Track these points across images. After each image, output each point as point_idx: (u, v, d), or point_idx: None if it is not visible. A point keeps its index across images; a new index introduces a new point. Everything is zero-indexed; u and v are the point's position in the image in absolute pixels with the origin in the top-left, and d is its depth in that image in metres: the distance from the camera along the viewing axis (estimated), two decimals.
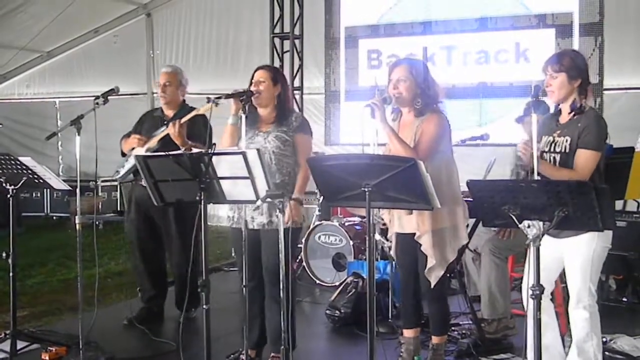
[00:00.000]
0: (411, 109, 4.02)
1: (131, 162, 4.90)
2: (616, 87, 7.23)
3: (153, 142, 4.89)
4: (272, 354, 4.28)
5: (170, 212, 5.09)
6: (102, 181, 9.46)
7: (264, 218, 4.15)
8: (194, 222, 4.86)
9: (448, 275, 4.82)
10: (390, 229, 4.22)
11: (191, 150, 4.45)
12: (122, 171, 5.08)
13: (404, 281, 4.27)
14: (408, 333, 4.26)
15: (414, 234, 4.00)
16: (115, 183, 9.20)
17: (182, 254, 5.15)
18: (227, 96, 3.98)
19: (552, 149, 3.61)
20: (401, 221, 4.05)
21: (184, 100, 5.25)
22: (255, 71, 4.30)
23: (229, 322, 4.73)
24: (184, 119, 4.73)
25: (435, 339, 4.19)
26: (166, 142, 4.77)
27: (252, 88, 4.19)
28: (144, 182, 4.85)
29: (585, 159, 3.48)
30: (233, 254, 7.44)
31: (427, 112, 3.98)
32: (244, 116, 3.93)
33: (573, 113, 3.58)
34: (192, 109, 4.94)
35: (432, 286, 4.01)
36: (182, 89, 5.25)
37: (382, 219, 4.26)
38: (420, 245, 3.97)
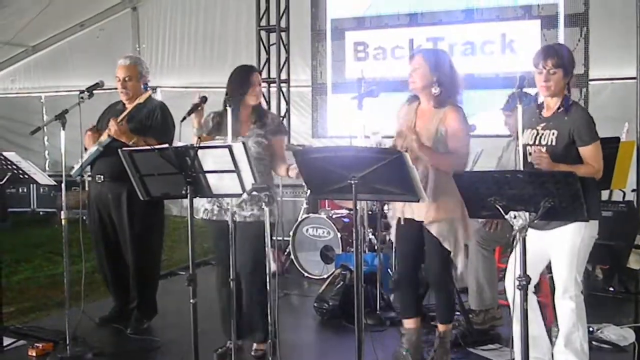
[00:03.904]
0: (430, 97, 4.00)
1: (85, 156, 4.81)
2: (602, 78, 7.25)
3: (104, 136, 4.74)
4: (255, 345, 4.29)
5: (124, 212, 4.82)
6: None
7: (246, 212, 4.19)
8: (148, 222, 4.89)
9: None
10: (395, 213, 4.18)
11: (139, 145, 4.43)
12: (77, 167, 4.86)
13: (404, 269, 4.25)
14: (408, 323, 4.25)
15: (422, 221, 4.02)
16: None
17: (134, 258, 4.90)
18: (189, 113, 4.00)
19: (537, 142, 3.63)
20: (412, 207, 4.00)
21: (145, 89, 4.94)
22: (255, 72, 4.38)
23: (216, 316, 4.72)
24: (120, 117, 4.66)
25: (441, 327, 4.21)
26: None
27: (255, 92, 4.28)
28: (98, 179, 4.87)
29: (592, 153, 3.56)
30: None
31: (446, 104, 3.97)
32: (229, 110, 3.93)
33: (558, 107, 3.61)
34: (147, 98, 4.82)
35: (459, 271, 4.18)
36: (144, 79, 4.91)
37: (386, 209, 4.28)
38: (428, 232, 3.99)
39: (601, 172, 3.56)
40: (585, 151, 3.56)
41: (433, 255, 4.07)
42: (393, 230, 4.25)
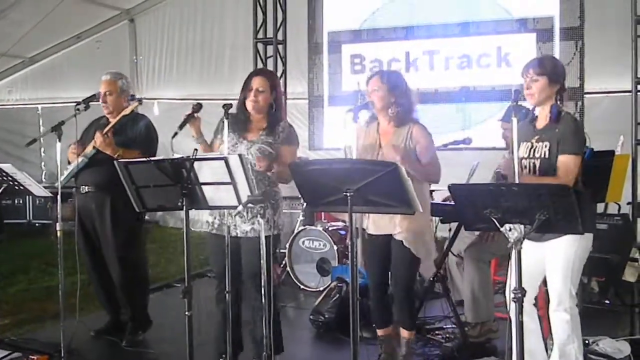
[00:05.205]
0: (389, 117, 4.14)
1: (70, 168, 4.82)
2: (597, 91, 7.27)
3: (89, 149, 4.77)
4: None
5: (107, 222, 4.83)
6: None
7: (247, 226, 4.10)
8: (131, 233, 4.89)
9: (432, 279, 4.84)
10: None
11: (122, 157, 4.35)
12: (61, 178, 4.76)
13: (375, 282, 4.32)
14: (384, 332, 4.35)
15: (388, 234, 4.09)
16: None
17: (119, 268, 4.89)
18: (181, 127, 3.92)
19: (531, 155, 3.63)
20: (375, 222, 4.11)
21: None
22: (254, 76, 4.20)
23: (212, 328, 4.70)
24: (106, 129, 4.70)
25: (405, 334, 4.26)
26: None
27: (251, 97, 4.12)
28: (82, 190, 4.87)
29: (566, 165, 3.49)
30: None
31: (408, 122, 4.11)
32: (226, 122, 3.93)
33: (550, 118, 3.61)
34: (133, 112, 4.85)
35: (430, 279, 4.40)
36: (125, 94, 4.96)
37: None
38: (401, 243, 4.05)
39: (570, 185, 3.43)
40: (561, 160, 3.50)
41: (400, 264, 4.14)
42: (359, 246, 4.23)
